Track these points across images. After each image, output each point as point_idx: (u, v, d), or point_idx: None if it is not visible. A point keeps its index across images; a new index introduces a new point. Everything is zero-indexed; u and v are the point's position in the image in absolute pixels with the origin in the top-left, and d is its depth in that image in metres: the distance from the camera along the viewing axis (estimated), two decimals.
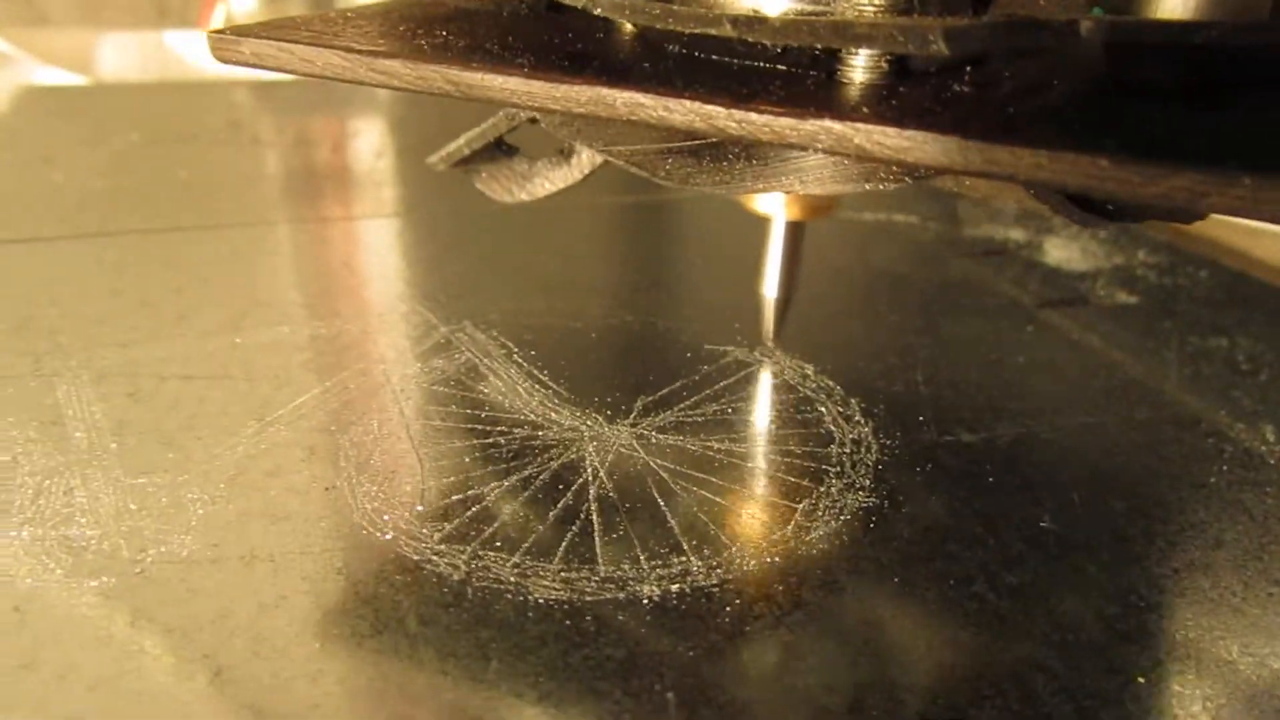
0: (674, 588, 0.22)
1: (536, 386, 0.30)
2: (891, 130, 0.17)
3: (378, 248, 0.41)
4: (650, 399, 0.30)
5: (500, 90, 0.20)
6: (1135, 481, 0.27)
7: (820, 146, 0.18)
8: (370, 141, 0.57)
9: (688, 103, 0.19)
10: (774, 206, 0.29)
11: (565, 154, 0.30)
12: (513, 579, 0.22)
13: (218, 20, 0.86)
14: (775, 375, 0.31)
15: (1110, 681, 0.20)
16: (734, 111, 0.18)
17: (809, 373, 0.32)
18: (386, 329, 0.33)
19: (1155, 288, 0.40)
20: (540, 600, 0.22)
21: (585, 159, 0.30)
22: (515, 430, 0.28)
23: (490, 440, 0.27)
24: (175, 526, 0.24)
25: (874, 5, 0.20)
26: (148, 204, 0.45)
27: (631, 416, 0.29)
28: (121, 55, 0.75)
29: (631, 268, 0.41)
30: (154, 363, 0.31)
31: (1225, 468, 0.28)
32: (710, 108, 0.19)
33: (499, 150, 0.31)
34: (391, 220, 0.44)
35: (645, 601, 0.22)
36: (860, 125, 0.18)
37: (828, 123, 0.18)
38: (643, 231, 0.44)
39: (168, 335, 0.32)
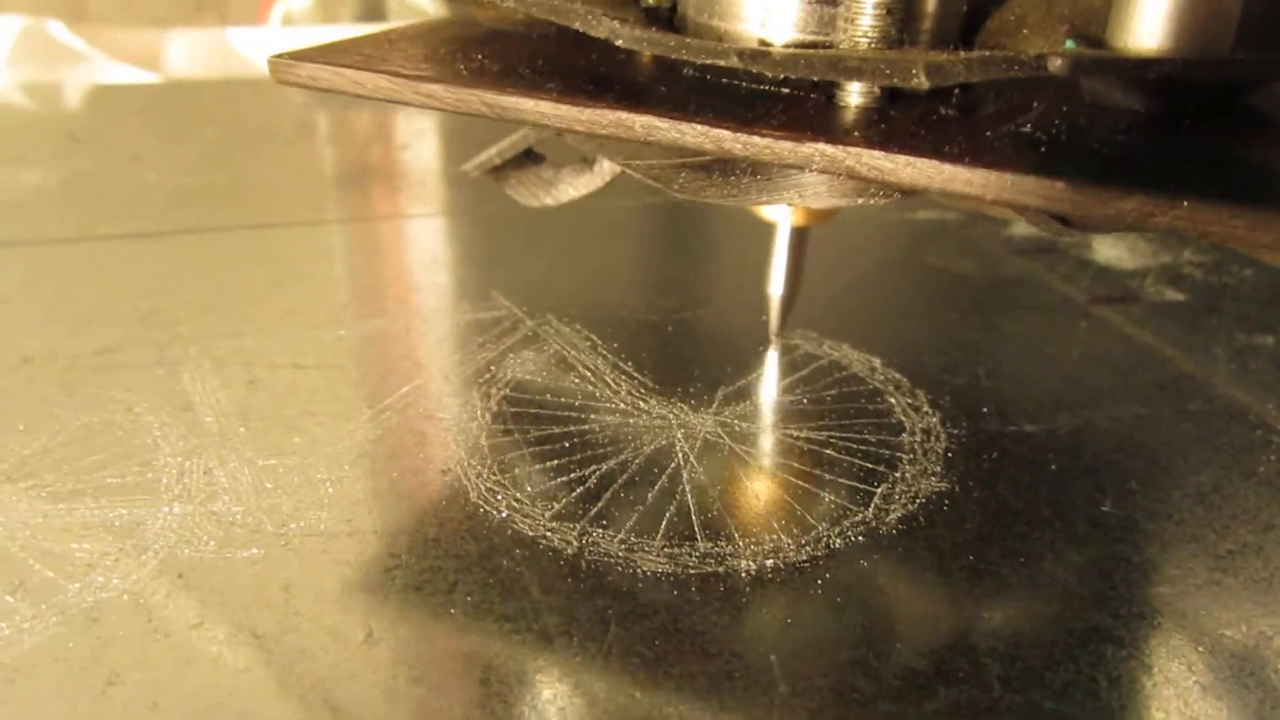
0: (768, 562, 0.24)
1: (623, 377, 0.32)
2: (878, 154, 0.20)
3: (460, 243, 0.44)
4: (730, 389, 0.32)
5: (532, 112, 0.23)
6: (1189, 470, 0.29)
7: (815, 167, 0.20)
8: (437, 140, 0.59)
9: (698, 126, 0.21)
10: (779, 213, 0.32)
11: (588, 162, 0.32)
12: (621, 553, 0.24)
13: (277, 16, 0.88)
14: (844, 368, 0.33)
15: (1173, 649, 0.22)
16: (739, 135, 0.21)
17: (876, 365, 0.34)
18: (477, 322, 0.36)
19: (1202, 285, 0.42)
20: (648, 572, 0.24)
21: (607, 167, 0.32)
22: (608, 418, 0.30)
23: (586, 427, 0.30)
24: (310, 503, 0.26)
25: (868, 36, 0.22)
26: (236, 201, 0.47)
27: (714, 405, 0.31)
28: (186, 53, 0.77)
29: (700, 264, 0.43)
30: (266, 353, 0.33)
31: (1273, 458, 0.30)
32: (718, 131, 0.21)
33: (527, 158, 0.33)
34: (469, 217, 0.47)
35: (743, 574, 0.24)
36: (850, 149, 0.20)
37: (822, 146, 0.20)
38: (708, 229, 0.46)
39: (276, 327, 0.35)
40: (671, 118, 0.21)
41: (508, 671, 0.21)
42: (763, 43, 0.24)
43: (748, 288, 0.40)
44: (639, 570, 0.24)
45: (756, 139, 0.21)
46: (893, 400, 0.32)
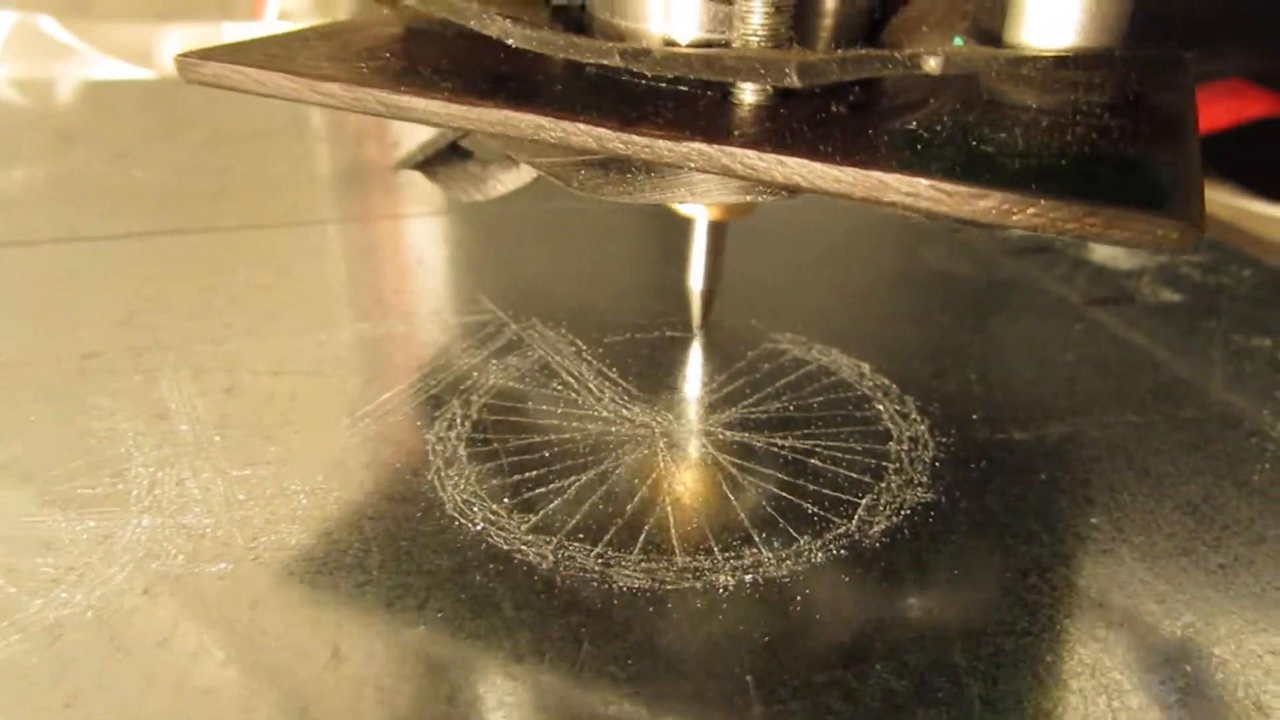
0: (747, 578, 0.24)
1: (607, 384, 0.32)
2: (750, 153, 0.20)
3: (447, 244, 0.43)
4: (716, 396, 0.31)
5: (424, 112, 0.23)
6: (1181, 480, 0.28)
7: (693, 165, 0.21)
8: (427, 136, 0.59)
9: (582, 125, 0.21)
10: (695, 208, 0.32)
11: (514, 159, 0.32)
12: (597, 568, 0.24)
13: (272, 12, 0.88)
14: (833, 373, 0.33)
15: (1158, 669, 0.22)
16: (620, 134, 0.21)
17: (865, 371, 0.33)
18: (461, 327, 0.35)
19: (1199, 286, 0.41)
20: (624, 588, 0.23)
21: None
22: (590, 426, 0.30)
23: (567, 435, 0.29)
24: (282, 516, 0.26)
25: (759, 34, 0.22)
26: (227, 200, 0.47)
27: (699, 413, 0.30)
28: (181, 48, 0.77)
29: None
30: (248, 358, 0.33)
31: (1267, 466, 0.29)
32: (600, 130, 0.21)
33: (455, 155, 0.33)
34: (458, 216, 0.46)
35: (721, 590, 0.23)
36: (725, 148, 0.20)
37: (698, 145, 0.20)
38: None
39: (258, 332, 0.34)
40: (557, 116, 0.22)
41: (476, 692, 0.21)
42: (666, 40, 0.24)
43: (738, 291, 0.39)
44: (615, 586, 0.23)
45: (637, 137, 0.21)
46: (881, 407, 0.31)
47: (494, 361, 0.33)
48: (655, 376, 0.32)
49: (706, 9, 0.24)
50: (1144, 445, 0.30)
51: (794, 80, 0.20)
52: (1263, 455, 0.30)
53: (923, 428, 0.30)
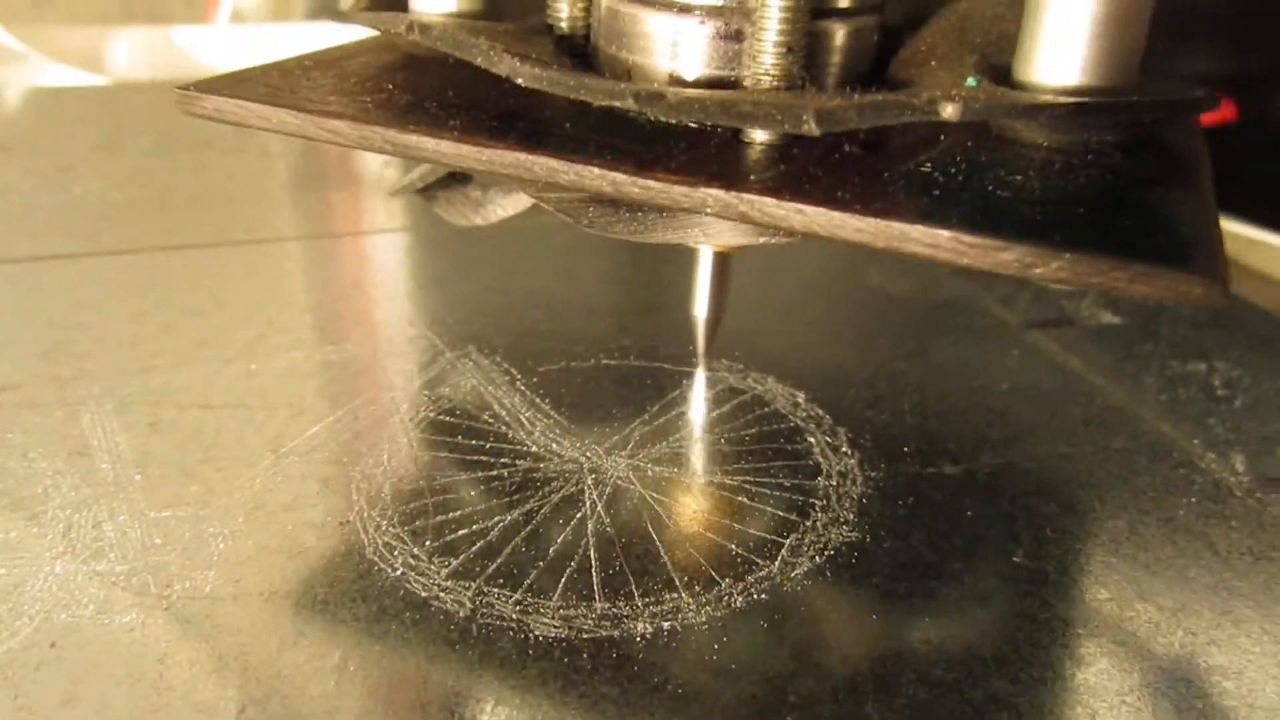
0: (666, 625, 0.24)
1: (539, 415, 0.32)
2: (770, 201, 0.20)
3: (386, 266, 0.43)
4: (647, 429, 0.31)
5: (433, 152, 0.22)
6: (1107, 516, 0.28)
7: (709, 211, 0.20)
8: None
9: (595, 170, 0.21)
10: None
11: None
12: (515, 616, 0.24)
13: (224, 13, 0.87)
14: (767, 404, 0.33)
15: (1075, 714, 0.22)
16: (635, 178, 0.21)
17: (800, 400, 0.33)
18: (395, 354, 0.35)
19: (1139, 307, 0.41)
20: (540, 637, 0.23)
21: None
22: (518, 462, 0.29)
23: (494, 472, 0.29)
24: (198, 562, 0.25)
25: (770, 74, 0.22)
26: (165, 218, 0.46)
27: (629, 447, 0.30)
28: (131, 53, 0.76)
29: (633, 290, 0.42)
30: (175, 390, 0.32)
31: (1194, 500, 0.29)
32: (615, 174, 0.21)
33: (454, 178, 0.33)
34: (399, 235, 0.46)
35: (639, 639, 0.23)
36: (744, 195, 0.20)
37: (716, 191, 0.20)
38: (646, 254, 0.45)
39: (188, 361, 0.34)
40: (570, 160, 0.21)
41: None
42: (673, 77, 0.24)
43: (679, 317, 0.39)
44: (531, 635, 0.23)
45: (652, 183, 0.21)
46: (812, 440, 0.31)
47: (425, 392, 0.33)
48: (588, 407, 0.32)
49: (716, 46, 0.23)
50: (1072, 479, 0.30)
51: (813, 129, 0.20)
52: (1190, 488, 0.30)
53: (853, 461, 0.30)
